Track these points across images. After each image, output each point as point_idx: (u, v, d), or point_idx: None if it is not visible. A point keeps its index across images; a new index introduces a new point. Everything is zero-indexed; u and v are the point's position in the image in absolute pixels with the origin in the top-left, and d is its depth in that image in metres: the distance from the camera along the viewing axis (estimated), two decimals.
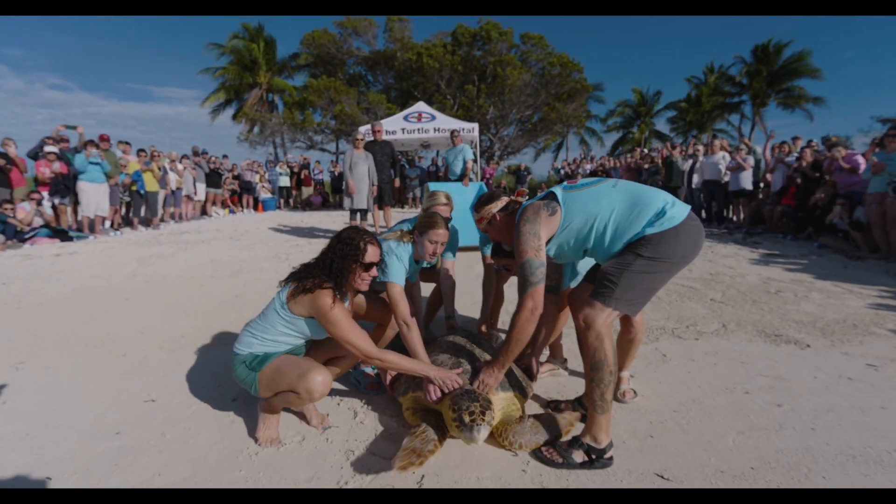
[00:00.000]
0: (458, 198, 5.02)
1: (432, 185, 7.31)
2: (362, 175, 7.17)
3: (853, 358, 2.74)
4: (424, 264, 2.56)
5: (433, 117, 11.94)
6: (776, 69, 25.60)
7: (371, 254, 1.91)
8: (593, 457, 1.71)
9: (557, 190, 1.88)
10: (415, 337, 2.10)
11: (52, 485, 1.64)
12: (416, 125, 11.62)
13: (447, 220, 2.49)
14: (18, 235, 6.70)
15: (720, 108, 28.21)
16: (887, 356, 2.75)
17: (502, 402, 1.87)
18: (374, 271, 1.94)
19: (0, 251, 6.20)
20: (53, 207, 7.59)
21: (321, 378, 1.75)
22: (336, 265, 1.85)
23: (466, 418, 1.61)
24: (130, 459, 1.79)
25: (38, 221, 7.17)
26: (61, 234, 7.14)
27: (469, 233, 5.37)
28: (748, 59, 26.46)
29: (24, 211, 6.96)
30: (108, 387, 2.42)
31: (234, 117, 25.94)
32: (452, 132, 8.49)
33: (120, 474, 1.70)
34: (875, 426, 2.00)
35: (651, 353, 2.84)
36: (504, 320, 3.27)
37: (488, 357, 2.08)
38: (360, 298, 2.24)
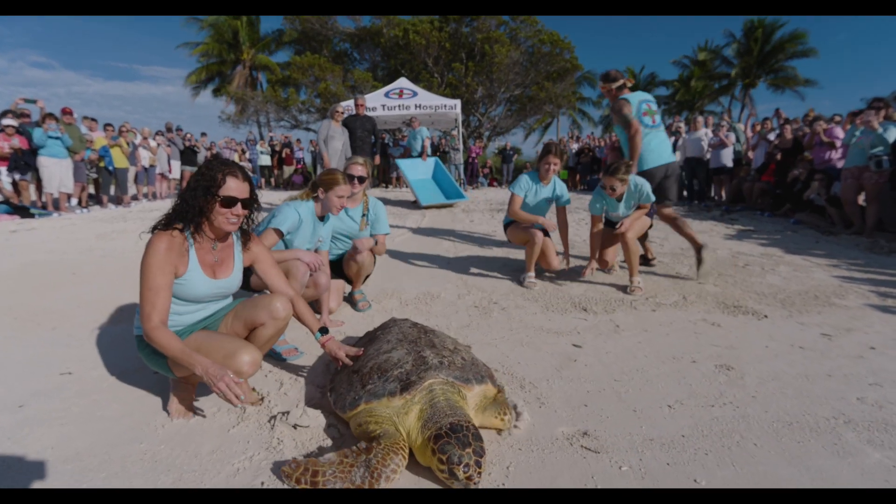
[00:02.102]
0: (422, 168, 8.84)
1: (399, 161, 9.26)
2: (336, 150, 6.96)
3: (808, 328, 2.67)
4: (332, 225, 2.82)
5: (415, 93, 11.63)
6: (768, 49, 25.31)
7: (231, 187, 1.66)
8: None
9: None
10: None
11: None
12: (397, 101, 11.32)
13: (361, 178, 2.85)
14: None
15: (709, 88, 27.95)
16: (843, 326, 2.69)
17: (476, 397, 1.65)
18: (238, 209, 1.68)
19: None
20: (13, 183, 7.31)
21: (248, 358, 1.62)
22: (188, 198, 1.65)
23: (461, 474, 1.29)
24: (26, 432, 1.67)
25: None
26: (21, 211, 6.89)
27: (434, 193, 8.62)
28: (738, 36, 26.12)
29: None
30: (27, 359, 2.29)
31: (215, 93, 25.30)
32: (412, 119, 10.60)
33: (10, 446, 1.58)
34: (818, 394, 1.93)
35: (605, 323, 2.76)
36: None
37: (447, 349, 1.81)
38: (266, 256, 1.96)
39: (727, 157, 8.51)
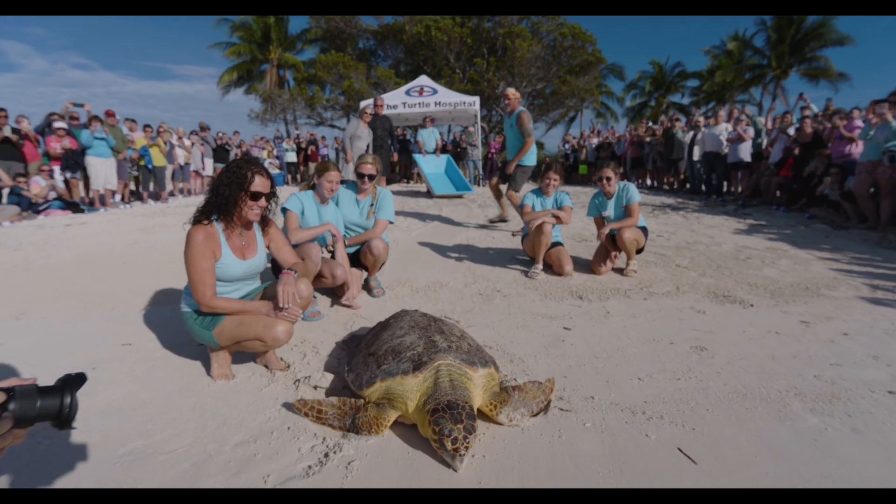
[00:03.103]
0: (436, 163, 10.41)
1: (417, 157, 10.59)
2: (360, 149, 7.35)
3: (790, 316, 2.85)
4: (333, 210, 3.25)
5: (435, 91, 11.92)
6: (800, 37, 24.43)
7: (258, 184, 1.99)
8: None
9: None
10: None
11: None
12: (417, 99, 11.63)
13: (371, 175, 3.28)
14: (33, 207, 7.09)
15: (740, 79, 27.17)
16: (824, 314, 2.86)
17: (482, 379, 1.79)
18: (262, 202, 2.03)
19: (16, 221, 6.61)
20: (65, 181, 7.97)
21: (283, 328, 1.96)
22: (222, 193, 1.98)
23: (448, 445, 1.45)
24: (100, 388, 2.05)
25: (52, 195, 7.55)
26: (73, 207, 7.53)
27: (445, 185, 9.76)
28: (769, 24, 25.28)
29: (37, 185, 7.34)
30: (94, 333, 2.70)
31: (247, 91, 26.22)
32: (425, 118, 11.63)
33: (88, 399, 1.96)
34: (779, 371, 2.14)
35: (597, 310, 3.00)
36: None
37: (455, 335, 1.96)
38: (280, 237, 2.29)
39: (745, 152, 8.48)
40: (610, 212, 3.88)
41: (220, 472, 1.50)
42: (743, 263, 4.12)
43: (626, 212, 3.76)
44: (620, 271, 3.79)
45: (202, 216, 2.04)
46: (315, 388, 2.00)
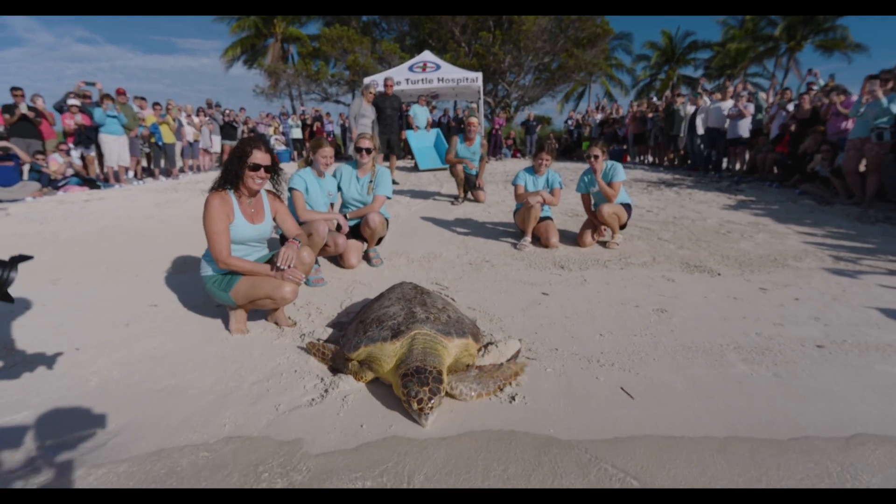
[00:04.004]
0: (426, 138, 11.15)
1: (408, 132, 11.04)
2: (365, 126, 7.57)
3: (751, 283, 3.12)
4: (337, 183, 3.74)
5: (438, 67, 11.95)
6: None
7: (256, 157, 2.29)
8: None
9: None
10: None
11: (76, 355, 2.25)
12: (420, 75, 11.70)
13: (368, 149, 3.60)
14: (53, 183, 7.43)
15: (754, 51, 26.53)
16: (783, 282, 3.12)
17: (457, 348, 1.94)
18: (262, 173, 2.32)
19: (38, 197, 6.96)
20: (82, 158, 8.28)
21: (289, 288, 2.28)
22: (230, 167, 2.32)
23: (414, 405, 1.64)
24: (133, 339, 2.39)
25: (69, 171, 7.88)
26: (90, 183, 7.86)
27: (432, 159, 10.42)
28: None
29: (55, 162, 7.65)
30: (122, 295, 3.04)
31: (248, 64, 26.19)
32: (420, 96, 12.11)
33: (124, 349, 2.30)
34: (726, 329, 2.43)
35: (575, 278, 3.29)
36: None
37: (436, 307, 2.14)
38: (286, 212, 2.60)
39: (744, 128, 8.55)
40: (598, 188, 4.10)
41: (240, 402, 1.83)
42: (722, 237, 4.35)
43: (611, 189, 3.99)
44: (605, 244, 4.06)
45: (217, 185, 2.34)
46: (318, 340, 2.32)
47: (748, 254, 3.79)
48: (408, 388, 1.68)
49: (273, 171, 2.41)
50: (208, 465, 1.49)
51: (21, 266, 1.45)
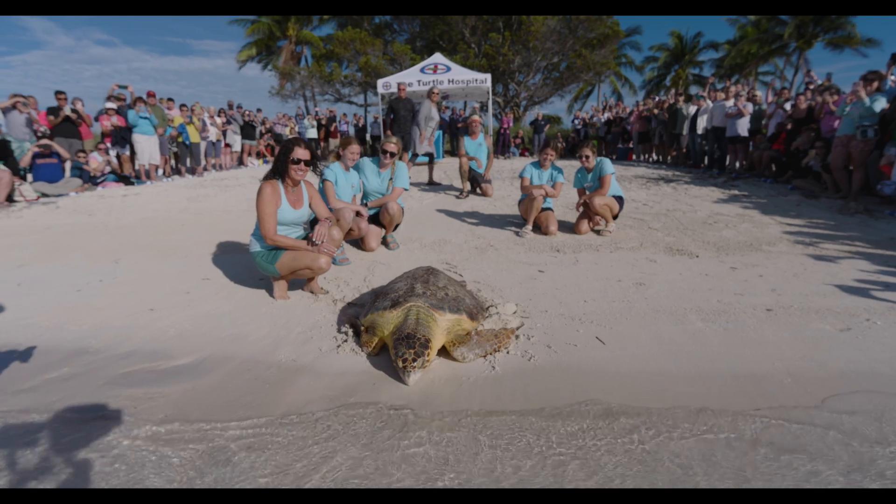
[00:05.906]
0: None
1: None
2: (432, 129, 7.88)
3: (723, 263, 3.53)
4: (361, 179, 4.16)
5: (448, 68, 12.41)
6: None
7: (298, 153, 2.79)
8: None
9: None
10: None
11: (152, 314, 2.75)
12: (431, 77, 12.16)
13: (392, 153, 4.03)
14: (92, 180, 8.04)
15: (764, 50, 26.56)
16: (752, 263, 3.52)
17: (448, 322, 2.17)
18: (303, 166, 2.80)
19: (80, 192, 7.56)
20: (118, 156, 8.89)
21: (324, 259, 2.78)
22: (279, 161, 2.82)
23: (400, 363, 1.91)
24: (196, 303, 2.89)
25: (107, 169, 8.49)
26: (125, 180, 8.46)
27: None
28: None
29: (95, 160, 8.27)
30: (177, 272, 3.55)
31: (264, 66, 26.90)
32: (431, 90, 12.28)
33: (190, 309, 2.80)
34: (691, 298, 2.85)
35: (569, 259, 3.72)
36: None
37: (437, 286, 2.38)
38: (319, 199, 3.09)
39: (742, 127, 8.87)
40: (591, 183, 4.55)
41: (291, 344, 2.31)
42: (708, 227, 4.75)
43: (601, 182, 4.43)
44: (599, 232, 4.48)
45: (269, 176, 2.83)
46: (348, 304, 2.80)
47: (728, 240, 4.19)
48: (397, 349, 1.95)
49: (312, 164, 2.90)
50: (280, 372, 1.98)
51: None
